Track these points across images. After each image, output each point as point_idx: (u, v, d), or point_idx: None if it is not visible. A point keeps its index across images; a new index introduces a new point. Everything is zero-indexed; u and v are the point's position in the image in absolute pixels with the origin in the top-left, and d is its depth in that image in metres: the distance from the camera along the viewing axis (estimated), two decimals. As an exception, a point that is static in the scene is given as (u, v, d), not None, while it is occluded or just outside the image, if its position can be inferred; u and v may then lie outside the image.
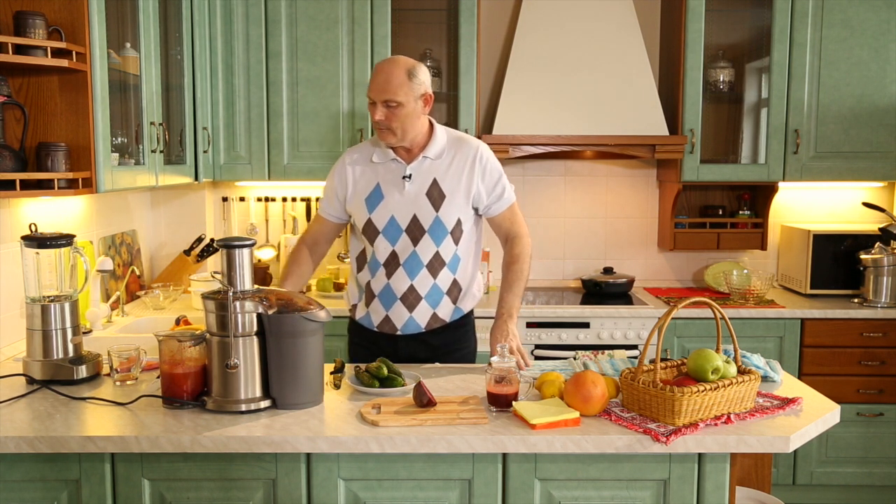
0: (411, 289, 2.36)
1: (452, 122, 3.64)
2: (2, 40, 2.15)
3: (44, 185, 2.26)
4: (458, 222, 2.35)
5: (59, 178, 2.27)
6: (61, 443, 1.72)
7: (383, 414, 1.82)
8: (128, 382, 2.09)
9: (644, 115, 3.51)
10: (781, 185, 3.69)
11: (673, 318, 3.33)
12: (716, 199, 3.93)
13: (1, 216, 2.50)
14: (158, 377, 2.00)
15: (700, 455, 1.78)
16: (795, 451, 3.41)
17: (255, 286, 1.93)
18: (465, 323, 2.48)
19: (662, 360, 1.93)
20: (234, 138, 3.48)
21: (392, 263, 2.36)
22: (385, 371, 2.04)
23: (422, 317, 2.38)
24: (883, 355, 3.38)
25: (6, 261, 2.51)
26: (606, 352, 2.30)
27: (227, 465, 1.78)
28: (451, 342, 2.45)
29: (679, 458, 1.78)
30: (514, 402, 1.85)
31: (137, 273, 3.48)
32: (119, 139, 2.65)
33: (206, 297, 1.90)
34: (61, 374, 2.08)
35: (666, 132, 3.50)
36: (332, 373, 2.14)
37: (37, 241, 2.11)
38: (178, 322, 2.82)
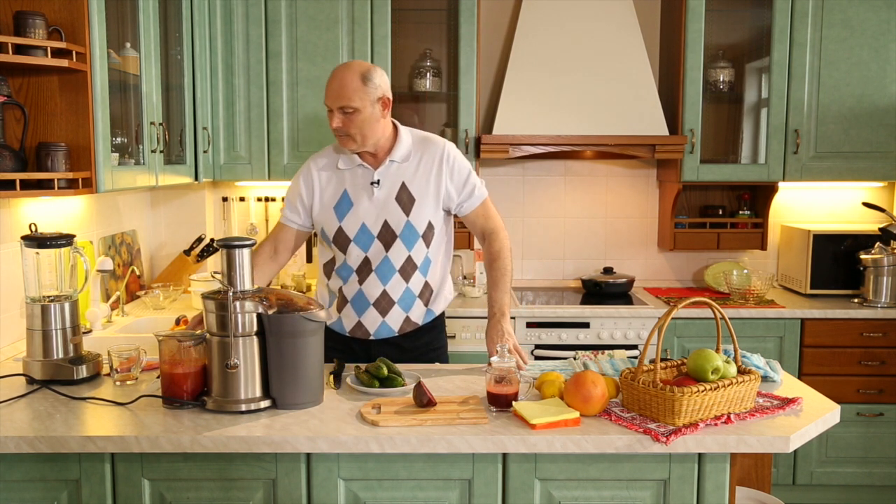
0: (384, 294, 2.34)
1: (452, 122, 3.65)
2: (2, 40, 2.15)
3: (44, 185, 2.25)
4: (430, 225, 2.33)
5: (59, 178, 2.27)
6: (61, 443, 1.72)
7: (383, 414, 1.82)
8: (128, 382, 2.09)
9: (644, 115, 3.51)
10: (781, 185, 3.69)
11: (673, 318, 3.33)
12: (716, 199, 3.93)
13: (1, 216, 2.50)
14: (158, 377, 2.00)
15: (700, 455, 1.78)
16: (795, 451, 3.41)
17: (256, 286, 1.93)
18: (436, 324, 2.47)
19: (662, 360, 1.93)
20: (234, 138, 3.48)
21: (364, 270, 2.34)
22: (385, 371, 2.03)
23: (395, 321, 2.37)
24: (883, 355, 3.38)
25: (6, 261, 2.51)
26: (606, 352, 2.30)
27: (227, 465, 1.78)
28: (424, 344, 2.44)
29: (679, 458, 1.78)
30: (514, 402, 1.85)
31: (137, 273, 3.48)
32: (119, 139, 2.65)
33: (206, 297, 1.90)
34: (61, 374, 2.08)
35: (666, 132, 3.51)
36: (331, 373, 2.14)
37: (37, 241, 2.11)
38: (178, 322, 2.83)
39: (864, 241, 3.55)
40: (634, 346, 3.36)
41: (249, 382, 1.87)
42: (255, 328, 1.87)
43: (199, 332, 1.95)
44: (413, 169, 2.32)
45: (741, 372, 1.88)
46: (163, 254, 3.75)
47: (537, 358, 3.34)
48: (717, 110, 3.80)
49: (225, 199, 3.83)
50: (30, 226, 2.20)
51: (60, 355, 2.12)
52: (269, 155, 3.49)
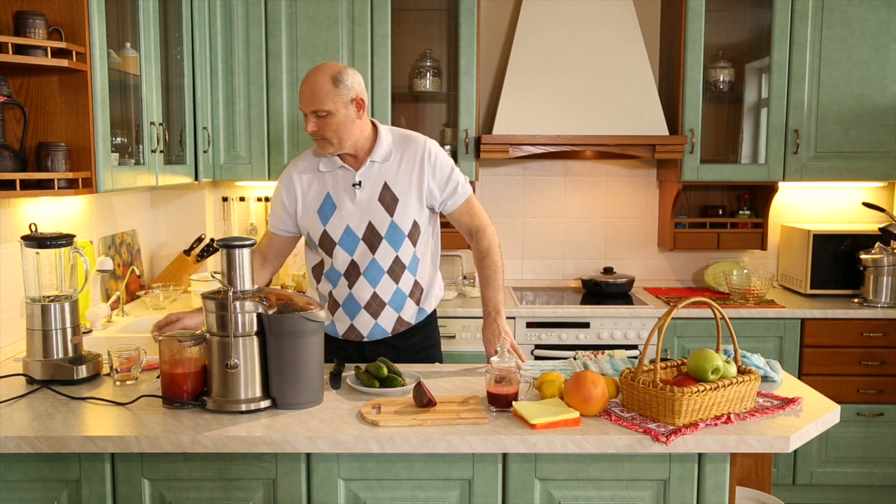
0: (374, 296, 2.33)
1: (452, 122, 3.65)
2: (2, 40, 2.15)
3: (44, 185, 2.25)
4: (415, 224, 2.31)
5: (59, 178, 2.27)
6: (61, 443, 1.72)
7: (383, 414, 1.82)
8: (128, 382, 2.09)
9: (644, 115, 3.51)
10: (781, 185, 3.69)
11: (673, 318, 3.33)
12: (716, 199, 3.93)
13: (1, 216, 2.50)
14: (158, 377, 2.00)
15: (700, 455, 1.78)
16: (795, 451, 3.41)
17: (255, 286, 1.93)
18: (428, 322, 2.46)
19: (662, 360, 1.93)
20: (234, 138, 3.48)
21: (352, 273, 2.32)
22: (385, 371, 2.03)
23: (387, 322, 2.36)
24: (883, 355, 3.38)
25: (6, 261, 2.51)
26: (606, 352, 2.30)
27: (227, 465, 1.79)
28: (417, 343, 2.43)
29: (679, 458, 1.78)
30: (514, 402, 1.85)
31: (137, 273, 3.48)
32: (119, 139, 2.65)
33: (206, 297, 1.90)
34: (61, 374, 2.08)
35: (666, 132, 3.51)
36: (331, 373, 2.14)
37: (37, 241, 2.11)
38: (178, 322, 2.82)
39: (864, 241, 3.55)
40: (634, 346, 3.36)
41: (249, 382, 1.87)
42: (255, 328, 1.87)
43: (199, 332, 1.95)
44: (395, 168, 2.30)
45: (741, 372, 1.88)
46: (163, 254, 3.75)
47: (537, 358, 3.34)
48: (717, 110, 3.80)
49: (225, 199, 3.83)
50: (30, 226, 2.20)
51: (60, 355, 2.12)
52: (269, 155, 3.49)
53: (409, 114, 3.80)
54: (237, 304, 1.85)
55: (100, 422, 1.82)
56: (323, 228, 2.32)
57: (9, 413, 1.87)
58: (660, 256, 4.00)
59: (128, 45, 2.71)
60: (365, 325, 2.36)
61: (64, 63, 2.24)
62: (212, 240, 3.55)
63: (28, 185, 2.22)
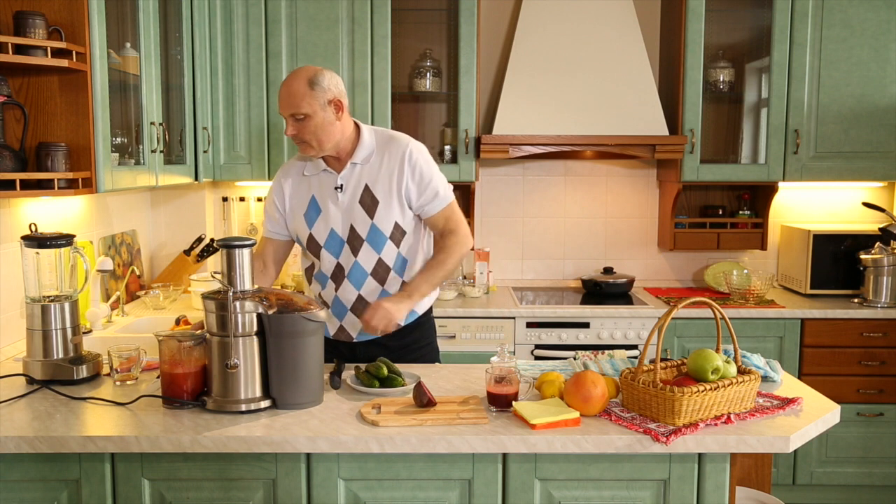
0: (360, 299, 2.33)
1: (452, 122, 3.65)
2: (2, 40, 2.15)
3: (44, 185, 2.25)
4: (397, 225, 2.30)
5: (59, 178, 2.27)
6: (61, 443, 1.72)
7: (383, 414, 1.82)
8: (128, 382, 2.09)
9: (644, 115, 3.51)
10: (781, 185, 3.69)
11: (673, 318, 3.33)
12: (716, 199, 3.93)
13: (1, 216, 2.50)
14: (158, 377, 2.00)
15: (700, 455, 1.78)
16: (795, 451, 3.41)
17: (255, 286, 1.93)
18: (421, 323, 2.44)
19: (662, 360, 1.93)
20: (234, 138, 3.48)
21: (338, 275, 2.33)
22: (385, 371, 2.03)
23: None
24: (883, 355, 3.38)
25: (6, 261, 2.51)
26: (606, 352, 2.30)
27: (227, 465, 1.79)
28: (409, 343, 2.42)
29: (679, 458, 1.78)
30: (514, 402, 1.85)
31: (137, 273, 3.48)
32: (119, 139, 2.65)
33: (206, 297, 1.90)
34: (61, 374, 2.08)
35: (666, 132, 3.51)
36: (331, 373, 2.14)
37: (37, 241, 2.11)
38: (178, 322, 2.82)
39: (864, 241, 3.55)
40: (634, 346, 3.36)
41: (249, 382, 1.87)
42: (255, 328, 1.87)
43: (199, 332, 1.95)
44: (376, 169, 2.29)
45: (741, 372, 1.88)
46: (163, 254, 3.75)
47: (537, 358, 3.34)
48: (717, 110, 3.80)
49: (225, 199, 3.83)
50: (30, 226, 2.20)
51: (60, 355, 2.12)
52: (269, 155, 3.49)
53: (409, 114, 3.80)
54: (237, 304, 1.85)
55: (100, 422, 1.82)
56: (309, 232, 2.33)
57: (9, 413, 1.87)
58: (660, 256, 4.00)
59: (128, 45, 2.71)
60: (353, 326, 2.37)
61: (64, 63, 2.24)
62: (212, 240, 3.55)
63: (28, 185, 2.22)
